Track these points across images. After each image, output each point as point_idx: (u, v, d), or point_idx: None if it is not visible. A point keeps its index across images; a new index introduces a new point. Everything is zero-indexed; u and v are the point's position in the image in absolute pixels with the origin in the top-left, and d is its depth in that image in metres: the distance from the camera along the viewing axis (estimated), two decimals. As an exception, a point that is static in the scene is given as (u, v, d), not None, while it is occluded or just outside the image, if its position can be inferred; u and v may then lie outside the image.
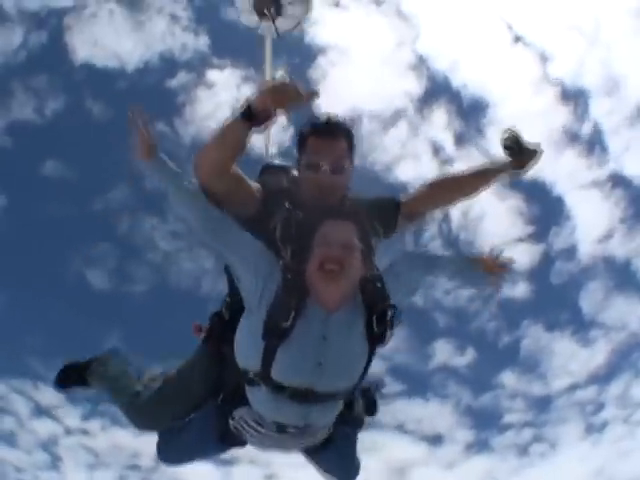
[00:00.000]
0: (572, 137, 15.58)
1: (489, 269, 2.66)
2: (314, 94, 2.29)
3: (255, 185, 2.62)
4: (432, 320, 15.12)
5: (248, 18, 7.11)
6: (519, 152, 2.65)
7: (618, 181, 15.61)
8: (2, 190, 13.86)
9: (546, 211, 16.43)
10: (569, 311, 16.62)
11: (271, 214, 2.50)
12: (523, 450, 15.56)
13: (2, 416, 13.82)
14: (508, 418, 15.59)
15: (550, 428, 15.89)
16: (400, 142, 16.24)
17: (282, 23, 6.98)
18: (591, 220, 16.07)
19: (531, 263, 16.06)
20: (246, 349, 2.30)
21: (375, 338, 2.31)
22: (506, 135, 2.64)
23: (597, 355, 15.83)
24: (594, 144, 15.63)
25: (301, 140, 2.60)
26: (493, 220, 16.29)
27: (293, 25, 7.09)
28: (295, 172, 2.76)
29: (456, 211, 16.21)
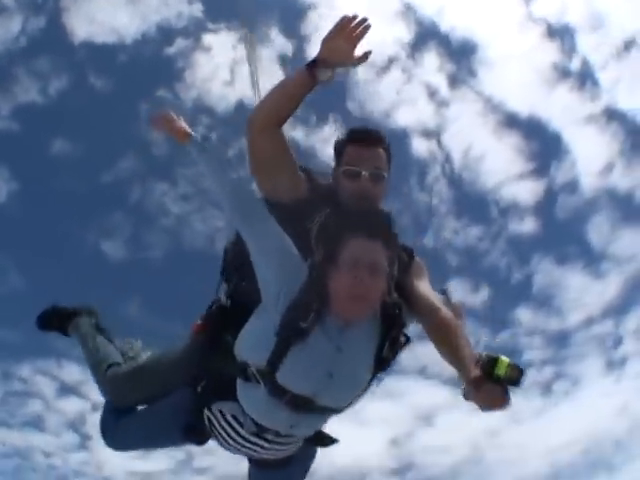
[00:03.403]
0: (562, 74, 15.66)
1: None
2: (369, 54, 2.34)
3: (301, 173, 2.60)
4: (444, 260, 15.26)
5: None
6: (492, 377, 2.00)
7: (613, 115, 15.79)
8: (14, 175, 14.09)
9: (545, 147, 16.48)
10: (578, 244, 16.65)
11: (312, 211, 2.45)
12: (546, 388, 15.67)
13: (29, 400, 14.07)
14: (528, 355, 15.70)
15: (571, 365, 15.97)
16: (395, 88, 16.40)
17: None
18: (590, 154, 16.12)
19: (535, 199, 16.15)
20: (254, 344, 2.22)
21: (381, 361, 2.27)
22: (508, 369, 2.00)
23: (610, 288, 15.89)
24: (585, 79, 15.70)
25: (339, 148, 2.59)
26: (494, 158, 16.36)
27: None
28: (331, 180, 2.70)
29: (457, 152, 16.34)
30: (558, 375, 15.88)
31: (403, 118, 17.04)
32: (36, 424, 13.95)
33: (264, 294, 2.24)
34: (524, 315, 16.11)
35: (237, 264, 2.53)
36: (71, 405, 14.06)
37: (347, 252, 2.13)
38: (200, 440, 2.49)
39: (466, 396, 2.08)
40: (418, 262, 2.62)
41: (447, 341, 2.30)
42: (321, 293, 2.14)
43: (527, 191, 16.63)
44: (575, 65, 15.78)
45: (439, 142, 16.83)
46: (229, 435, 2.36)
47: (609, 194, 15.93)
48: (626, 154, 15.75)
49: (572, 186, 15.96)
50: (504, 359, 1.98)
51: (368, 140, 2.54)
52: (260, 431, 2.30)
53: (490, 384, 1.98)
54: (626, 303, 15.68)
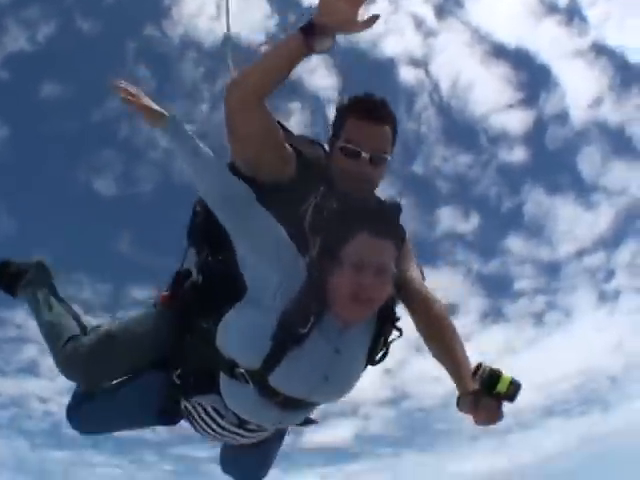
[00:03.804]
0: (550, 8, 15.52)
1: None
2: (375, 18, 1.93)
3: (288, 147, 2.22)
4: (433, 187, 15.35)
5: None
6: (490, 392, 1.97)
7: (601, 50, 16.15)
8: (4, 121, 14.44)
9: (533, 78, 16.45)
10: (568, 175, 16.74)
11: (304, 192, 2.17)
12: (538, 319, 15.89)
13: (23, 345, 14.00)
14: (519, 285, 15.89)
15: (562, 296, 16.18)
16: (382, 18, 16.28)
17: None
18: (579, 87, 16.12)
19: (524, 128, 16.13)
20: (245, 344, 1.98)
21: (373, 357, 2.12)
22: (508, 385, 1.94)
23: (601, 219, 16.01)
24: (573, 15, 15.65)
25: (340, 117, 2.22)
26: (482, 87, 16.30)
27: None
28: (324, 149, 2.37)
29: (445, 81, 16.34)
30: (550, 306, 16.12)
31: (390, 47, 16.95)
32: (31, 370, 14.22)
33: (255, 290, 1.99)
34: (515, 244, 16.29)
35: (210, 232, 2.23)
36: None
37: (352, 250, 1.89)
38: (174, 422, 2.31)
39: (461, 407, 2.02)
40: (407, 243, 2.33)
41: (441, 342, 2.17)
42: (321, 293, 1.93)
43: (516, 120, 16.65)
44: (563, 1, 15.65)
45: (427, 71, 16.78)
46: (208, 425, 2.17)
47: (599, 127, 15.95)
48: (615, 89, 15.75)
49: (562, 117, 15.98)
50: (506, 376, 1.92)
51: (374, 115, 2.16)
52: (242, 423, 2.13)
53: (489, 400, 1.92)
54: (617, 236, 15.81)
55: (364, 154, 2.13)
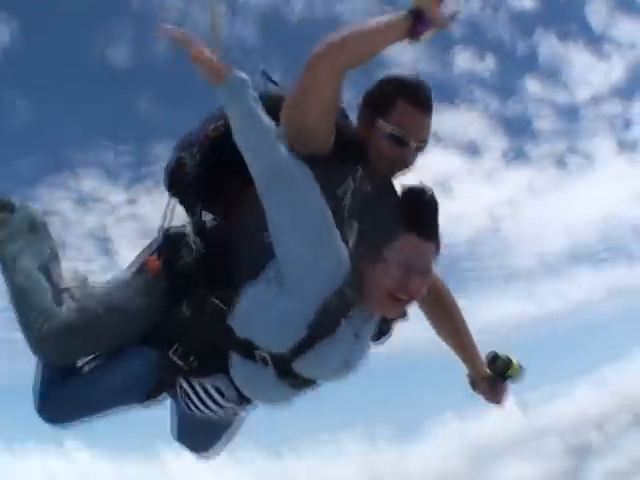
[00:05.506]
0: None
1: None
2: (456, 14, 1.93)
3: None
4: (446, 30, 15.33)
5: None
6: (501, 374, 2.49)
7: None
8: (14, 15, 14.35)
9: None
10: (578, 23, 16.30)
11: (340, 171, 2.08)
12: (560, 161, 15.98)
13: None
14: (538, 125, 15.84)
15: (582, 140, 16.15)
16: None
17: None
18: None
19: None
20: (277, 330, 1.92)
21: (380, 338, 2.17)
22: (513, 370, 2.47)
23: (614, 69, 15.61)
24: None
25: (388, 96, 2.13)
26: None
27: None
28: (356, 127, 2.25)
29: None
30: (571, 149, 16.19)
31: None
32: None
33: (292, 274, 1.91)
34: (531, 85, 16.10)
35: (203, 190, 2.16)
36: (91, 214, 14.01)
37: (399, 249, 1.88)
38: (159, 401, 2.20)
39: (477, 389, 2.54)
40: None
41: (452, 329, 2.52)
42: (359, 287, 1.91)
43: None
44: None
45: None
46: (204, 404, 2.07)
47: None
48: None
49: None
50: (515, 362, 2.43)
51: (426, 105, 2.14)
52: (241, 400, 2.09)
53: (502, 384, 2.45)
54: (632, 87, 15.51)
55: (412, 144, 2.12)
